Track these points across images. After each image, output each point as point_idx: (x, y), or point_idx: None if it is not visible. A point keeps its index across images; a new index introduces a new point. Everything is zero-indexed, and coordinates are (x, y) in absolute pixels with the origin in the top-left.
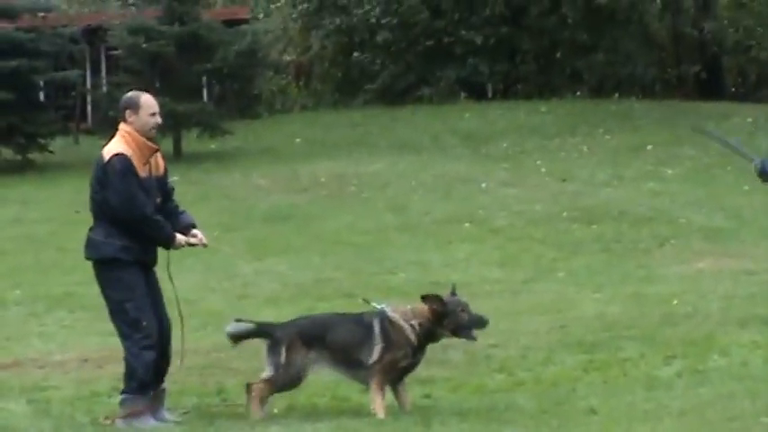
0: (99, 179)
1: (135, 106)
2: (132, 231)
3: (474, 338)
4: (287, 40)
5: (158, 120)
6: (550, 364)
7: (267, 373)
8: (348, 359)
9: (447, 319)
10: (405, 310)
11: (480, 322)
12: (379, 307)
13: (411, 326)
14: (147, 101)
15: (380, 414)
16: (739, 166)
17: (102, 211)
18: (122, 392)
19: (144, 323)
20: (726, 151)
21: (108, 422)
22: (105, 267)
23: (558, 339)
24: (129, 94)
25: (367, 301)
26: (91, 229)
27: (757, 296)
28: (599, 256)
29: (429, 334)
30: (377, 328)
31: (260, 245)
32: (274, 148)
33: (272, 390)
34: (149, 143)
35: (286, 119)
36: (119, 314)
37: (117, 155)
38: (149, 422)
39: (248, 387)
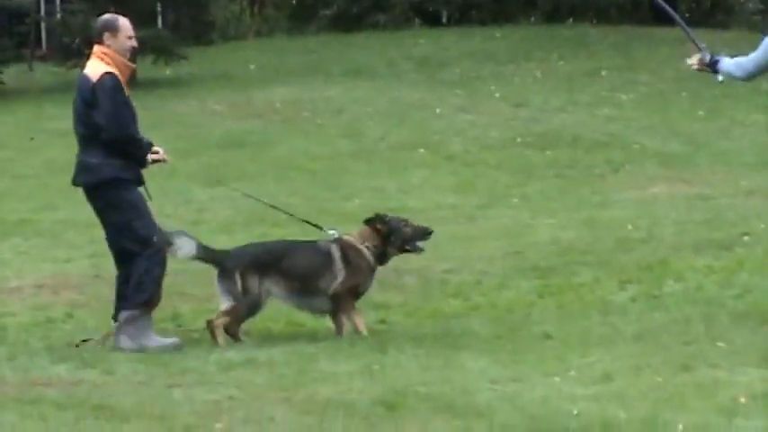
0: (87, 101)
1: (114, 29)
2: (116, 150)
3: (421, 249)
4: None
5: (134, 43)
6: (505, 290)
7: (225, 304)
8: (305, 287)
9: (393, 235)
10: (354, 235)
11: (424, 232)
12: (331, 233)
13: (367, 248)
14: (125, 23)
15: (364, 329)
16: (694, 92)
17: (96, 132)
18: (126, 309)
19: (155, 239)
20: (678, 75)
21: (99, 343)
22: (105, 189)
23: (512, 265)
24: (107, 16)
25: (319, 227)
26: (81, 154)
27: (711, 221)
28: (553, 182)
29: (381, 255)
30: (336, 254)
31: (215, 171)
32: (229, 74)
33: (235, 320)
34: (129, 63)
35: (240, 45)
36: (126, 233)
37: (107, 73)
38: (154, 340)
39: (209, 324)
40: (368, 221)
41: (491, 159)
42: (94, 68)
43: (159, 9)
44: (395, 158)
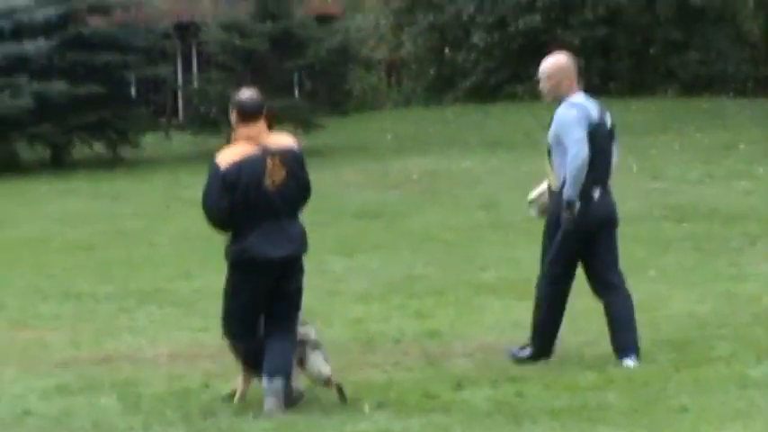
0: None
1: None
2: None
3: None
4: (378, 37)
5: None
6: (642, 363)
7: None
8: None
9: None
10: None
11: None
12: None
13: None
14: None
15: None
16: None
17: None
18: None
19: None
20: None
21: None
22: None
23: (649, 337)
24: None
25: None
26: (296, 224)
27: None
28: (690, 255)
29: None
30: None
31: (350, 241)
32: (365, 144)
33: None
34: None
35: (377, 115)
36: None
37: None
38: None
39: None
40: None
41: (627, 231)
42: (289, 138)
43: (296, 79)
44: (531, 230)
